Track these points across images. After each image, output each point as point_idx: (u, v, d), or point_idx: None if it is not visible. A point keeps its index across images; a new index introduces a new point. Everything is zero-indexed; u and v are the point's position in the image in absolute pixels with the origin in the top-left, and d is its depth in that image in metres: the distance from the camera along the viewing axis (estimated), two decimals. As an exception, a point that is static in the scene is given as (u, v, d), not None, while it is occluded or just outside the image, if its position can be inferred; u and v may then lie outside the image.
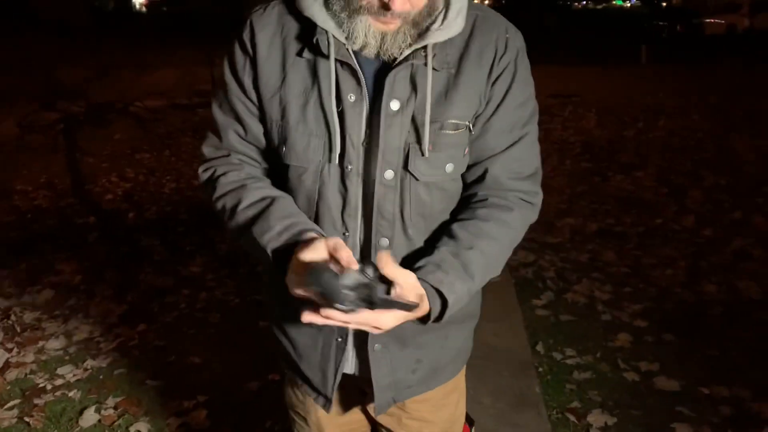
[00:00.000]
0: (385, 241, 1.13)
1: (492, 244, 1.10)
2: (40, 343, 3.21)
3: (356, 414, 1.36)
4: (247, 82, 1.14)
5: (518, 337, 3.17)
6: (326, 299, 0.86)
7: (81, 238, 4.59)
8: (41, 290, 3.76)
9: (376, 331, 0.95)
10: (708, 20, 24.20)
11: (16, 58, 12.16)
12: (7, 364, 3.02)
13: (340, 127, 1.08)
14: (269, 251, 1.05)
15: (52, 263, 4.13)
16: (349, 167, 1.10)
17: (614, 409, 2.61)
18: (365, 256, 1.15)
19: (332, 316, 0.89)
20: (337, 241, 0.93)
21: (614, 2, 61.15)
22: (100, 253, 4.30)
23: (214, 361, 3.03)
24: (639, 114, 8.81)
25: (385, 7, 1.01)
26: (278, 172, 1.19)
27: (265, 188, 1.16)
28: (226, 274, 3.95)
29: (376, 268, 0.90)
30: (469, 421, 2.22)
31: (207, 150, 1.23)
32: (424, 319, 1.04)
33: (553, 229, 4.62)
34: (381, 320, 0.93)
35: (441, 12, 1.07)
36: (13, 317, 3.45)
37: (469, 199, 1.17)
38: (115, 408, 2.71)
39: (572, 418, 2.57)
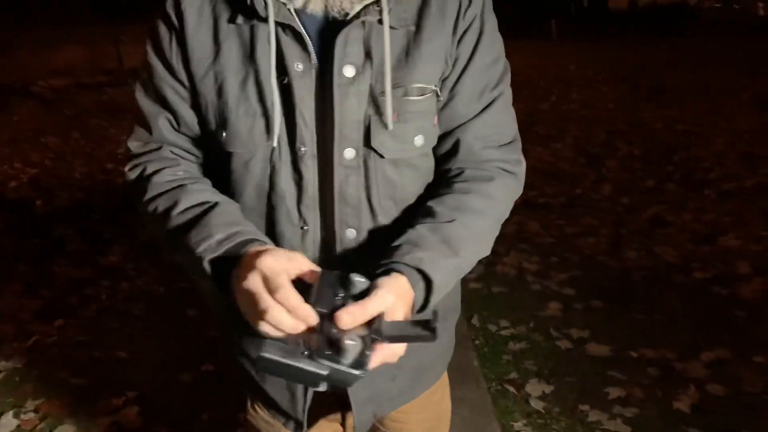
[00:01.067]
0: (351, 233, 0.98)
1: (476, 217, 0.97)
2: (-54, 347, 2.96)
3: (332, 427, 1.21)
4: (175, 61, 0.98)
5: (453, 311, 3.19)
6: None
7: (-16, 230, 4.27)
8: (-57, 289, 3.47)
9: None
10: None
11: None
12: None
13: (288, 102, 0.93)
14: (206, 262, 0.88)
15: (-47, 259, 3.83)
16: (303, 149, 0.95)
17: (550, 377, 2.68)
18: (328, 252, 1.00)
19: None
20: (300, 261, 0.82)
21: (523, -23, 62.30)
22: (8, 246, 4.01)
23: (142, 355, 2.89)
24: (552, 87, 9.06)
25: None
26: (220, 162, 1.02)
27: (206, 191, 0.99)
28: (148, 262, 3.77)
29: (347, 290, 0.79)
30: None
31: (134, 145, 1.06)
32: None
33: (480, 202, 4.68)
34: (396, 352, 0.79)
35: None
36: None
37: (443, 175, 1.04)
38: (36, 411, 2.54)
39: (511, 389, 2.61)
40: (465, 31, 0.98)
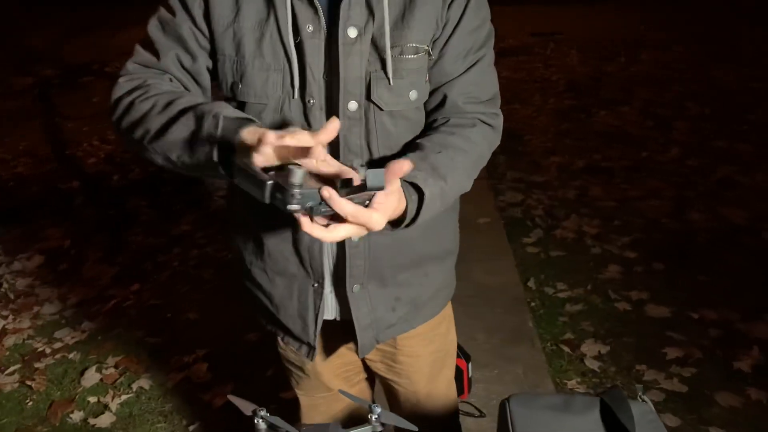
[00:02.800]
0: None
1: (459, 153, 1.09)
2: (35, 309, 3.21)
3: (348, 356, 1.36)
4: (198, 13, 1.08)
5: (510, 274, 3.21)
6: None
7: (67, 203, 4.54)
8: (31, 257, 3.74)
9: (364, 233, 0.87)
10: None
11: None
12: (4, 331, 3.03)
13: (299, 59, 1.05)
14: (221, 117, 0.92)
15: (40, 230, 4.10)
16: (311, 101, 1.07)
17: (606, 337, 2.67)
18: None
19: (312, 232, 0.83)
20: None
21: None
22: (88, 217, 4.26)
23: (210, 316, 3.06)
24: (621, 49, 8.71)
25: None
26: None
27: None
28: (216, 230, 3.94)
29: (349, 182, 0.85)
30: (466, 356, 2.27)
31: (134, 66, 1.12)
32: (398, 221, 0.97)
33: (540, 168, 4.62)
34: (343, 207, 0.81)
35: None
36: (5, 285, 3.44)
37: (430, 124, 1.16)
38: (116, 367, 2.74)
39: (566, 349, 2.62)
40: None
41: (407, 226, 0.99)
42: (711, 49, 8.27)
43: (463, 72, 1.13)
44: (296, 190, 0.77)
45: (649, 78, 7.16)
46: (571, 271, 3.22)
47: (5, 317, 3.14)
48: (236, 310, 3.08)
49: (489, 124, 1.17)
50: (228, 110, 0.96)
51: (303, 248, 1.16)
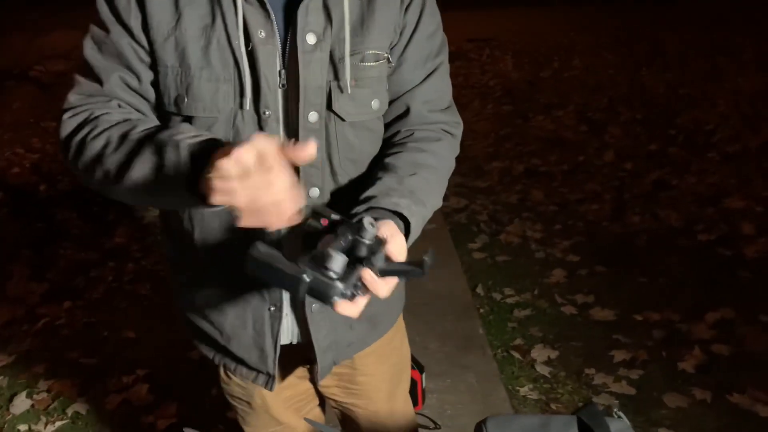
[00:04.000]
0: (315, 191, 1.05)
1: (431, 172, 1.05)
2: (-44, 332, 3.00)
3: (302, 384, 1.30)
4: (135, 25, 0.98)
5: (458, 281, 3.21)
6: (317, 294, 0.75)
7: (-11, 216, 4.28)
8: (-50, 275, 3.50)
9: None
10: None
11: None
12: None
13: (251, 68, 0.97)
14: (183, 148, 0.85)
15: (-40, 245, 3.85)
16: (267, 112, 0.99)
17: (555, 342, 2.70)
18: None
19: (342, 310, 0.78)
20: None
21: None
22: (13, 231, 4.02)
23: (150, 334, 2.92)
24: (554, 54, 8.95)
25: None
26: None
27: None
28: (152, 242, 3.79)
29: (361, 226, 0.78)
30: (419, 367, 2.24)
31: (76, 97, 1.01)
32: None
33: (482, 173, 4.67)
34: (380, 289, 0.80)
35: None
36: None
37: (394, 137, 1.11)
38: (48, 391, 2.57)
39: (517, 355, 2.63)
40: (410, 2, 1.05)
41: None
42: (638, 55, 8.59)
43: (424, 79, 1.10)
44: (339, 285, 0.71)
45: (582, 83, 7.37)
46: (517, 276, 3.25)
47: None
48: (177, 326, 2.95)
49: (452, 134, 1.14)
50: (184, 133, 0.88)
51: None
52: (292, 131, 1.01)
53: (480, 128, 5.71)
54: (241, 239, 0.91)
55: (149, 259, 3.61)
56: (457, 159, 1.17)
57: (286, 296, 1.11)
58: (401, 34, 1.06)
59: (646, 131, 5.44)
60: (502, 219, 3.92)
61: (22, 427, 2.40)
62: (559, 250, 3.49)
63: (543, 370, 2.53)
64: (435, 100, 1.12)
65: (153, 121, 1.01)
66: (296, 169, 0.97)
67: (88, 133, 0.97)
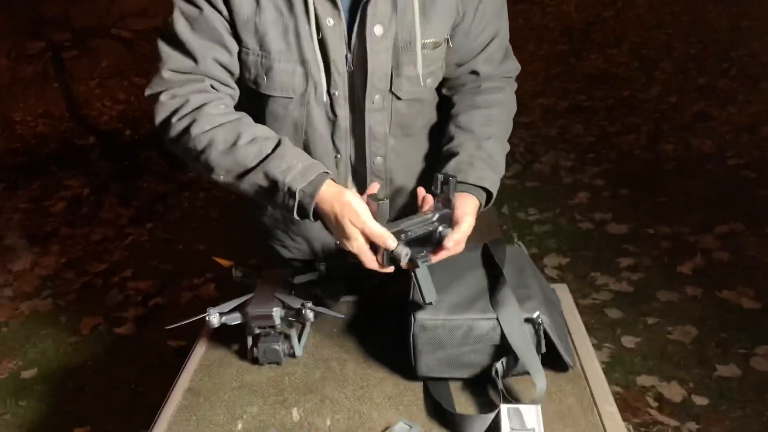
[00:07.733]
0: (379, 160, 1.22)
1: (500, 126, 1.20)
2: (55, 248, 3.57)
3: None
4: (221, 5, 1.06)
5: (487, 203, 3.49)
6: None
7: (84, 157, 4.88)
8: (55, 204, 4.10)
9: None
10: None
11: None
12: (35, 263, 3.41)
13: (323, 53, 1.08)
14: (297, 190, 1.00)
15: (61, 181, 4.46)
16: (336, 93, 1.12)
17: (568, 251, 2.97)
18: (358, 175, 1.24)
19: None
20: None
21: None
22: (104, 168, 4.60)
23: (217, 247, 3.40)
24: (619, -7, 8.79)
25: None
26: (255, 103, 1.16)
27: (260, 125, 1.11)
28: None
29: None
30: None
31: (170, 74, 1.08)
32: None
33: (526, 109, 4.87)
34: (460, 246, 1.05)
35: None
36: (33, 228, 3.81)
37: (461, 89, 1.25)
38: (136, 289, 3.10)
39: (531, 262, 2.92)
40: None
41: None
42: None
43: (488, 44, 1.20)
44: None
45: (642, 22, 7.28)
46: (543, 199, 3.50)
47: (37, 254, 3.52)
48: (239, 242, 3.42)
49: (512, 78, 1.28)
50: (298, 177, 1.01)
51: None
52: (357, 109, 1.16)
53: (531, 68, 5.83)
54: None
55: (219, 189, 4.08)
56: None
57: None
58: (464, 14, 1.16)
59: (697, 66, 5.43)
60: (538, 150, 4.14)
61: (115, 314, 2.94)
62: (587, 175, 3.70)
63: (551, 273, 2.82)
64: (498, 57, 1.23)
65: (247, 117, 1.11)
66: (361, 142, 1.20)
67: (190, 124, 1.06)
